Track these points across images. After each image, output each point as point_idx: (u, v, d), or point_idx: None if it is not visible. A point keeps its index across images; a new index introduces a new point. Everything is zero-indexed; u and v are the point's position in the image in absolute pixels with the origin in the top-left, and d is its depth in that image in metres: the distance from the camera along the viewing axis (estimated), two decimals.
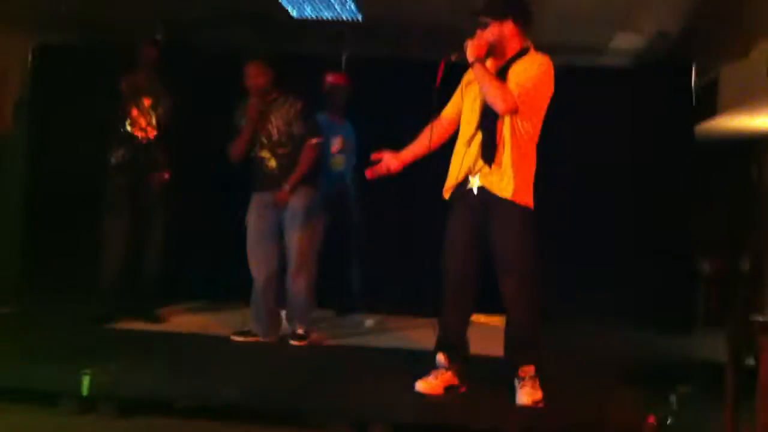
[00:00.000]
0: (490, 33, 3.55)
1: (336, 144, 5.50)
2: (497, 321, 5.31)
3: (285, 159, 4.74)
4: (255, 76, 4.71)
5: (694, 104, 6.61)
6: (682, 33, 5.87)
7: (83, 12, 6.10)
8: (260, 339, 4.80)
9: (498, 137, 3.53)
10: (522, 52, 3.60)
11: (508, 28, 3.58)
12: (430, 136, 3.75)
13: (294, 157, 4.74)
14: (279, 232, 4.78)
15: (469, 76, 3.70)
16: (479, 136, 3.58)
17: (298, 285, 4.76)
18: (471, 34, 3.59)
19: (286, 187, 4.68)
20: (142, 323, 5.18)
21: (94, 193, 5.41)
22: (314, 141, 4.78)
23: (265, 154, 4.76)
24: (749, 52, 6.12)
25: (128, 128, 5.17)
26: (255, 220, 4.79)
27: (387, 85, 6.23)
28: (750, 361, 3.85)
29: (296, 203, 4.71)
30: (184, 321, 5.49)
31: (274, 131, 4.74)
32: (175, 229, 5.48)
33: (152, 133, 5.20)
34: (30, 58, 7.14)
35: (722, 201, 7.94)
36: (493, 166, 3.54)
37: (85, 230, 5.60)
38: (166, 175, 5.20)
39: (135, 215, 5.22)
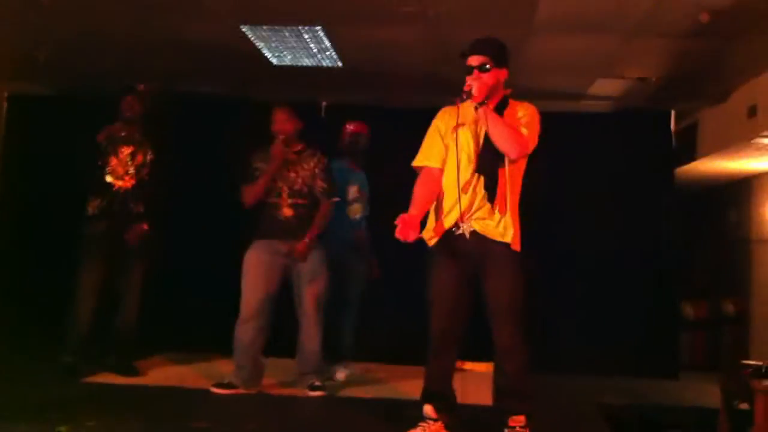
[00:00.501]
0: (491, 78, 3.53)
1: (353, 192, 5.45)
2: (483, 367, 5.29)
3: (302, 210, 4.74)
4: (283, 121, 4.75)
5: (673, 148, 6.64)
6: (661, 78, 5.91)
7: (61, 61, 6.05)
8: (241, 390, 4.68)
9: (501, 181, 3.51)
10: (505, 99, 3.62)
11: (503, 75, 3.60)
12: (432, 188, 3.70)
13: (310, 210, 4.76)
14: (280, 282, 4.73)
15: (452, 119, 3.65)
16: (477, 181, 3.53)
17: (314, 341, 4.72)
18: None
19: (306, 240, 4.66)
20: (118, 377, 5.04)
21: (69, 242, 5.29)
22: (335, 199, 4.84)
23: (282, 201, 4.73)
24: (728, 96, 6.19)
25: (106, 178, 5.08)
26: (256, 265, 4.70)
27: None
28: (743, 406, 3.83)
29: (311, 257, 4.69)
30: (161, 373, 5.35)
31: (298, 181, 4.75)
32: (152, 280, 5.37)
33: (130, 183, 5.11)
34: (5, 106, 7.10)
35: (704, 244, 7.98)
36: (492, 210, 3.50)
37: (59, 280, 5.46)
38: (144, 226, 5.11)
39: (110, 265, 5.10)
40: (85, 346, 5.06)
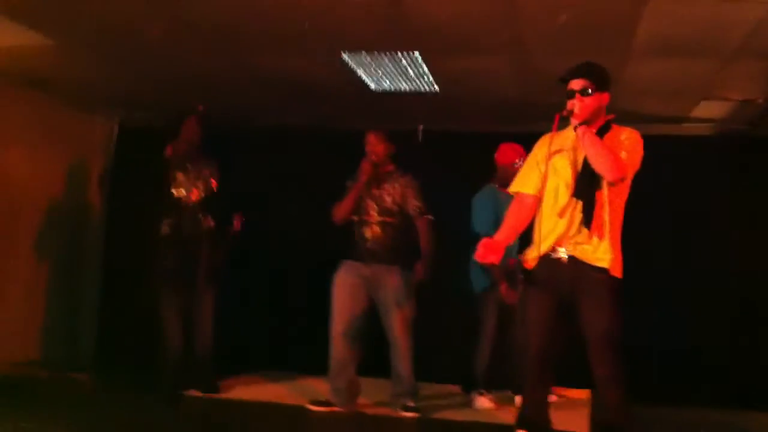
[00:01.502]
0: (593, 101, 3.51)
1: None
2: (579, 395, 5.22)
3: (390, 229, 4.85)
4: (374, 143, 4.95)
5: None
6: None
7: (169, 96, 6.35)
8: (338, 408, 4.77)
9: (598, 206, 3.48)
10: (607, 124, 3.59)
11: (605, 99, 3.58)
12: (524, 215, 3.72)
13: (399, 230, 4.86)
14: (367, 304, 4.81)
15: (547, 146, 3.65)
16: (575, 205, 3.51)
17: (405, 363, 4.80)
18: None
19: (419, 266, 4.78)
20: (200, 393, 5.18)
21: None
22: (430, 216, 4.91)
23: (371, 219, 4.86)
24: None
25: (174, 193, 5.27)
26: (342, 287, 4.84)
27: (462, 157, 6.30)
28: None
29: (395, 282, 4.79)
30: (251, 391, 5.47)
31: (387, 200, 4.88)
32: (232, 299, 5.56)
33: (197, 197, 5.29)
34: (115, 135, 7.50)
35: None
36: (590, 235, 3.47)
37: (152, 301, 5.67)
38: (237, 224, 5.27)
39: (186, 287, 5.27)
40: (177, 369, 5.25)
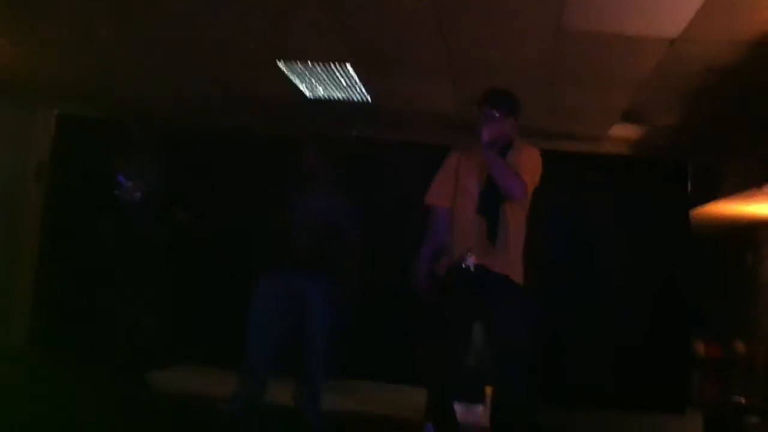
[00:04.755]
0: (501, 126, 3.74)
1: None
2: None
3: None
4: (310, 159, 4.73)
5: (689, 191, 6.80)
6: (682, 124, 6.11)
7: (105, 87, 6.45)
8: None
9: (502, 220, 3.74)
10: (510, 143, 3.82)
11: (513, 124, 3.82)
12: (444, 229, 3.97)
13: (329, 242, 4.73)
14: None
15: (460, 160, 3.91)
16: (481, 219, 3.74)
17: None
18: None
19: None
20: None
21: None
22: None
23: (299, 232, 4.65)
24: (750, 145, 6.36)
25: (117, 193, 5.38)
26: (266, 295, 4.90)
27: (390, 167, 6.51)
28: None
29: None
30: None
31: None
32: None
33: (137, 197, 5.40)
34: (54, 126, 7.52)
35: (719, 285, 8.09)
36: (494, 246, 3.73)
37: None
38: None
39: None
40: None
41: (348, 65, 5.46)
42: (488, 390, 5.21)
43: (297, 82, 5.90)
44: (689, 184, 6.80)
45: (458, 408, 3.86)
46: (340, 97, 6.23)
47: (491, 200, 3.75)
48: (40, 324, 7.10)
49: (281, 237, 4.66)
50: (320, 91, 6.12)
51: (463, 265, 3.76)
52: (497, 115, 3.76)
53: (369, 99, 6.20)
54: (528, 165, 3.78)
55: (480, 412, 4.55)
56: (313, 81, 5.87)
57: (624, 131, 6.42)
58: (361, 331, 5.74)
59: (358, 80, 5.77)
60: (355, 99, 6.24)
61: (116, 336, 5.34)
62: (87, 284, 6.10)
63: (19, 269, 7.29)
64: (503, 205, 3.74)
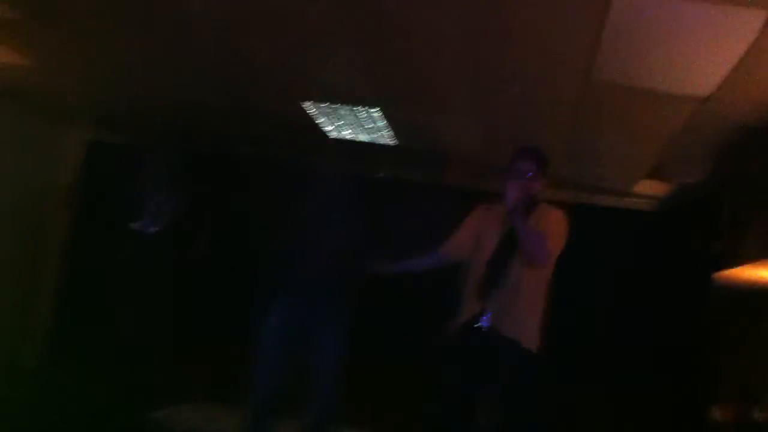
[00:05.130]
0: (532, 186, 3.71)
1: None
2: None
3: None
4: None
5: (716, 252, 6.68)
6: (711, 182, 6.02)
7: (137, 113, 6.49)
8: None
9: (522, 281, 3.66)
10: (535, 203, 3.78)
11: (542, 184, 3.79)
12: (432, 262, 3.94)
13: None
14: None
15: (484, 216, 3.86)
16: (501, 279, 3.68)
17: None
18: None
19: None
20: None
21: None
22: None
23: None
24: None
25: (136, 224, 5.37)
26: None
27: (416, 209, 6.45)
28: None
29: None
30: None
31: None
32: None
33: (157, 227, 5.38)
34: (84, 151, 7.57)
35: (739, 349, 7.90)
36: (511, 308, 3.65)
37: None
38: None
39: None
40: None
41: (375, 110, 5.45)
42: None
43: (322, 121, 5.89)
44: (716, 243, 6.68)
45: None
46: (366, 140, 6.21)
47: (501, 259, 3.69)
48: (56, 346, 7.06)
49: (293, 265, 4.63)
50: (346, 132, 6.11)
51: (476, 324, 3.68)
52: (529, 174, 3.71)
53: (395, 142, 6.17)
54: (553, 230, 3.71)
55: None
56: (338, 122, 5.86)
57: (651, 187, 6.33)
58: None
59: (384, 125, 5.74)
60: (381, 142, 6.21)
61: (128, 367, 5.30)
62: (105, 311, 6.08)
63: (38, 289, 7.28)
64: (519, 266, 3.66)
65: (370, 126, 5.83)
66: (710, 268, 6.68)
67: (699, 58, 3.62)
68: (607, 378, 6.33)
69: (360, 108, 5.45)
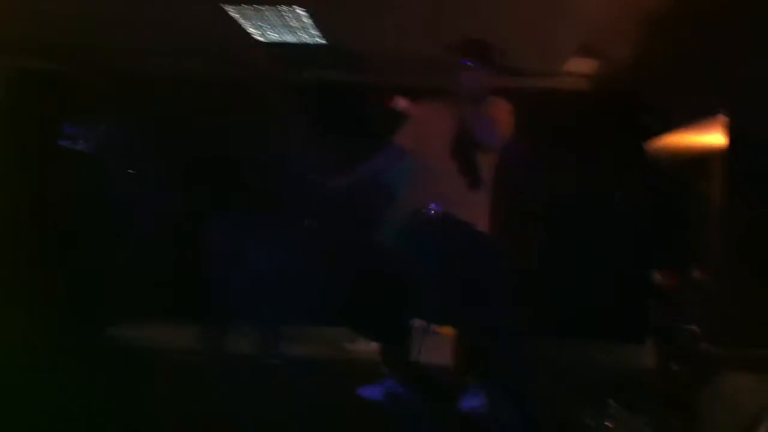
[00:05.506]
0: (479, 76, 3.78)
1: None
2: (448, 331, 5.56)
3: None
4: None
5: (646, 124, 6.85)
6: (637, 57, 6.11)
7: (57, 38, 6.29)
8: None
9: (473, 168, 3.76)
10: (484, 93, 3.88)
11: (489, 74, 3.86)
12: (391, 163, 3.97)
13: None
14: None
15: (432, 108, 3.91)
16: (450, 166, 3.79)
17: None
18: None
19: None
20: None
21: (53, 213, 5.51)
22: None
23: None
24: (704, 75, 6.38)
25: (73, 145, 5.27)
26: None
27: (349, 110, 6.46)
28: (675, 368, 4.11)
29: None
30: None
31: None
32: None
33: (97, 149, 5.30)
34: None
35: (676, 215, 8.19)
36: (465, 193, 3.74)
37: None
38: None
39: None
40: None
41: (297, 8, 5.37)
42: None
43: (246, 24, 5.79)
44: (645, 116, 6.84)
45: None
46: (292, 40, 6.12)
47: (464, 147, 3.77)
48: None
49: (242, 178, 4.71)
50: (271, 35, 6.02)
51: (430, 212, 3.79)
52: (475, 66, 3.75)
53: (324, 41, 6.11)
54: (501, 118, 3.81)
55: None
56: (262, 23, 5.77)
57: (580, 66, 6.41)
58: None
59: (311, 23, 5.67)
60: (308, 41, 6.14)
61: (80, 287, 5.30)
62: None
63: None
64: (474, 153, 3.76)
65: (295, 25, 5.75)
66: (643, 138, 6.88)
67: None
68: (553, 253, 6.53)
69: (284, 7, 5.35)
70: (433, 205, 3.77)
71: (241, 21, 5.70)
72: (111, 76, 5.93)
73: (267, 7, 5.35)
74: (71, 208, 5.37)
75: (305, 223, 5.35)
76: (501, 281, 3.79)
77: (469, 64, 3.76)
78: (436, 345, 4.52)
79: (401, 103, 5.43)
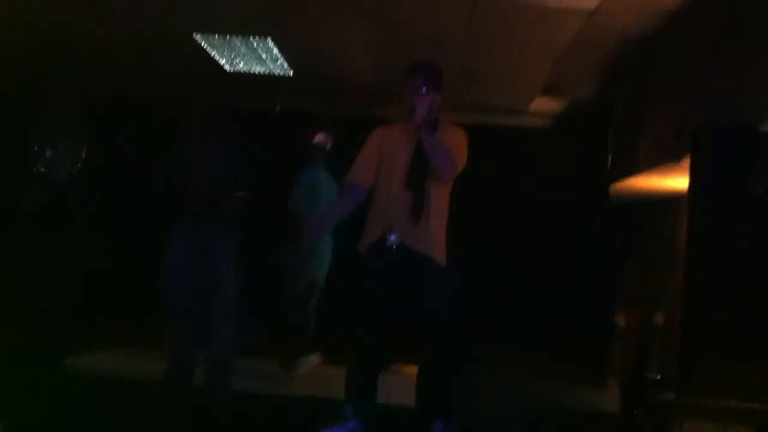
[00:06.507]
0: (432, 100, 3.73)
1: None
2: (412, 370, 5.50)
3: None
4: None
5: (609, 165, 6.91)
6: (601, 96, 6.18)
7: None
8: None
9: (427, 198, 3.72)
10: (436, 122, 3.80)
11: (439, 98, 3.79)
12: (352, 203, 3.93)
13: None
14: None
15: (385, 136, 3.88)
16: (406, 197, 3.74)
17: None
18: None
19: None
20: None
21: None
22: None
23: None
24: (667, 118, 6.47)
25: (42, 170, 5.16)
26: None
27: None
28: (638, 416, 4.10)
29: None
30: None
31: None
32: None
33: (66, 174, 5.20)
34: None
35: (638, 256, 8.26)
36: (417, 224, 3.72)
37: None
38: None
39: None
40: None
41: (269, 39, 5.35)
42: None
43: (216, 55, 5.75)
44: (609, 156, 6.90)
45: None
46: (261, 71, 6.10)
47: (418, 176, 3.74)
48: None
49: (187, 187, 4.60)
50: (240, 65, 5.99)
51: (387, 243, 3.75)
52: (425, 89, 3.72)
53: (290, 73, 6.09)
54: (456, 146, 3.78)
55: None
56: (233, 54, 5.74)
57: (546, 105, 6.46)
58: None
59: (278, 54, 5.66)
60: (276, 73, 6.12)
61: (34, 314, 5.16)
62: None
63: None
64: (429, 182, 3.73)
65: (264, 56, 5.73)
66: (605, 181, 6.93)
67: None
68: (515, 292, 6.52)
69: (253, 38, 5.33)
70: (391, 237, 3.74)
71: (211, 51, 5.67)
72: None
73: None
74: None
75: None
76: (454, 316, 3.76)
77: (423, 89, 3.72)
78: (400, 385, 4.49)
79: (319, 137, 5.52)
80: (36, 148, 5.14)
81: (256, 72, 6.11)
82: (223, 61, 5.90)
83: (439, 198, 3.78)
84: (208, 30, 5.27)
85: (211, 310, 4.45)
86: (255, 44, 5.48)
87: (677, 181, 7.15)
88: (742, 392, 4.07)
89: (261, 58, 5.77)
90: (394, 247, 3.73)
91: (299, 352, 5.62)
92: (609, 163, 6.89)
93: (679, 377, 4.27)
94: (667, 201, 8.07)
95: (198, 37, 5.38)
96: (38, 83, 5.84)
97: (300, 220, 5.21)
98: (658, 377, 4.07)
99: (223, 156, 4.52)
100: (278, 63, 5.88)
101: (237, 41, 5.43)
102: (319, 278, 5.59)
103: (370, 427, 3.82)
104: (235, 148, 4.59)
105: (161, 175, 4.69)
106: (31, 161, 5.17)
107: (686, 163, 6.17)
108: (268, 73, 6.11)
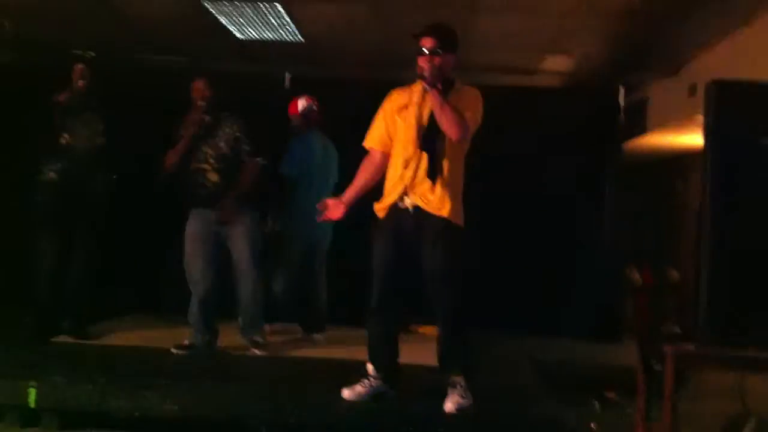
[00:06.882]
0: (442, 61, 3.72)
1: None
2: (431, 330, 5.56)
3: (228, 174, 4.81)
4: (199, 90, 4.85)
5: (622, 122, 6.87)
6: (610, 54, 6.15)
7: (24, 32, 6.18)
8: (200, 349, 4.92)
9: (442, 159, 3.74)
10: (451, 82, 3.81)
11: (452, 59, 3.79)
12: (372, 171, 3.95)
13: (234, 174, 4.83)
14: (217, 249, 4.90)
15: (399, 100, 3.90)
16: (420, 158, 3.76)
17: (254, 298, 4.94)
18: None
19: (227, 204, 4.76)
20: (72, 338, 5.17)
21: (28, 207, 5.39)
22: (256, 160, 4.90)
23: (208, 167, 4.81)
24: (676, 71, 6.45)
25: (64, 141, 5.17)
26: (192, 236, 4.86)
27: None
28: (658, 367, 4.11)
29: (242, 220, 4.83)
30: (127, 335, 5.56)
31: (223, 146, 4.82)
32: (111, 244, 5.55)
33: (88, 147, 5.20)
34: None
35: (651, 214, 8.29)
36: (433, 187, 3.74)
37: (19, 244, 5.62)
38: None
39: (68, 229, 5.20)
40: (49, 310, 5.18)
41: (277, 4, 5.34)
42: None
43: (225, 22, 5.74)
44: (621, 116, 6.86)
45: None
46: (272, 38, 6.09)
47: (432, 138, 3.76)
48: None
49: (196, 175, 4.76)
50: (251, 32, 5.98)
51: (401, 206, 3.78)
52: (439, 50, 3.73)
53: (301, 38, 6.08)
54: (470, 106, 3.79)
55: None
56: (243, 21, 5.73)
57: (556, 63, 6.44)
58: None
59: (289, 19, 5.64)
60: (288, 39, 6.11)
61: (53, 286, 5.19)
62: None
63: None
64: (443, 144, 3.75)
65: (274, 23, 5.72)
66: (618, 137, 6.90)
67: None
68: (527, 250, 6.52)
69: (262, 3, 5.32)
70: (406, 198, 3.77)
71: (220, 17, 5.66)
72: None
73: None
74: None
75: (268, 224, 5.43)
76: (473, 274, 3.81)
77: (437, 50, 3.73)
78: (420, 344, 4.55)
79: (301, 104, 5.51)
80: (58, 118, 5.13)
81: (266, 38, 6.09)
82: (232, 28, 5.90)
83: (455, 159, 3.80)
84: None
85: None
86: (265, 10, 5.47)
87: (689, 138, 7.18)
88: (761, 341, 4.10)
89: (271, 23, 5.75)
90: (410, 210, 3.77)
91: (311, 329, 5.68)
92: (620, 119, 6.87)
93: (697, 329, 4.29)
94: (681, 157, 8.10)
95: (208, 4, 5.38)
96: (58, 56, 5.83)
97: (292, 184, 5.31)
98: (677, 330, 4.08)
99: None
100: (289, 29, 5.87)
101: (247, 8, 5.42)
102: (320, 239, 5.58)
103: (392, 386, 3.88)
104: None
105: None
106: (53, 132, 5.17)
107: (699, 118, 6.18)
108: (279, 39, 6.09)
